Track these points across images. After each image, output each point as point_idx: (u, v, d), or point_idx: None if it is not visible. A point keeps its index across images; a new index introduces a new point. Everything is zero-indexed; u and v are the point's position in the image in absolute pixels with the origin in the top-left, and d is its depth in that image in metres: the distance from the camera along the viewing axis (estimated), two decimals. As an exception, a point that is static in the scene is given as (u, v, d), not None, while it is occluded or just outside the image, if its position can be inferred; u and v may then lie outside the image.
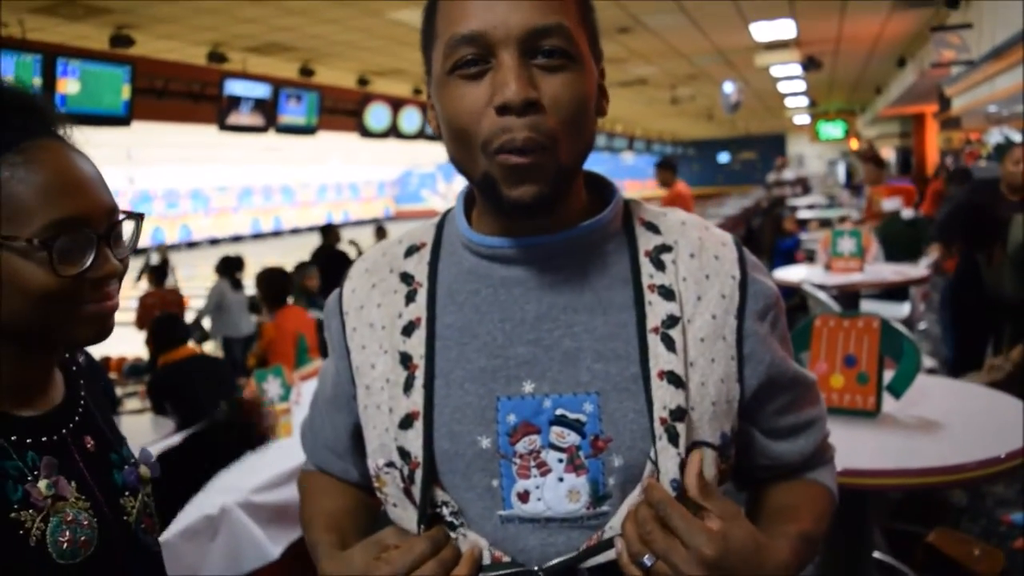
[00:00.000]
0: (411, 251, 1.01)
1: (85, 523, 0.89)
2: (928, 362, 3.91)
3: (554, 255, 0.92)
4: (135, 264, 8.78)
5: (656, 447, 0.86)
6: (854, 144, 20.90)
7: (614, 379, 0.89)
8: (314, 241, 9.29)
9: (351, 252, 8.59)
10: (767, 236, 11.79)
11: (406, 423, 0.91)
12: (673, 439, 0.86)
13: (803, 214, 12.26)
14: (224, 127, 8.41)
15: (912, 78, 11.81)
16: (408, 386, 0.92)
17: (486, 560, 0.89)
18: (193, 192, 24.89)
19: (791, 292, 5.40)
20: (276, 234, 27.45)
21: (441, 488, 0.91)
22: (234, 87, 8.37)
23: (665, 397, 0.87)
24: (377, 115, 10.59)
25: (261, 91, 8.66)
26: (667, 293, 0.91)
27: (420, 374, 0.92)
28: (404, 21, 7.63)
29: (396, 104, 10.83)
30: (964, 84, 8.32)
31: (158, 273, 8.12)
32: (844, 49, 11.47)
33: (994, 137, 9.66)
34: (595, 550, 0.87)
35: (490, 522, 0.89)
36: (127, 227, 0.96)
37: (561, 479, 0.88)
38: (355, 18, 7.62)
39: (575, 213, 0.94)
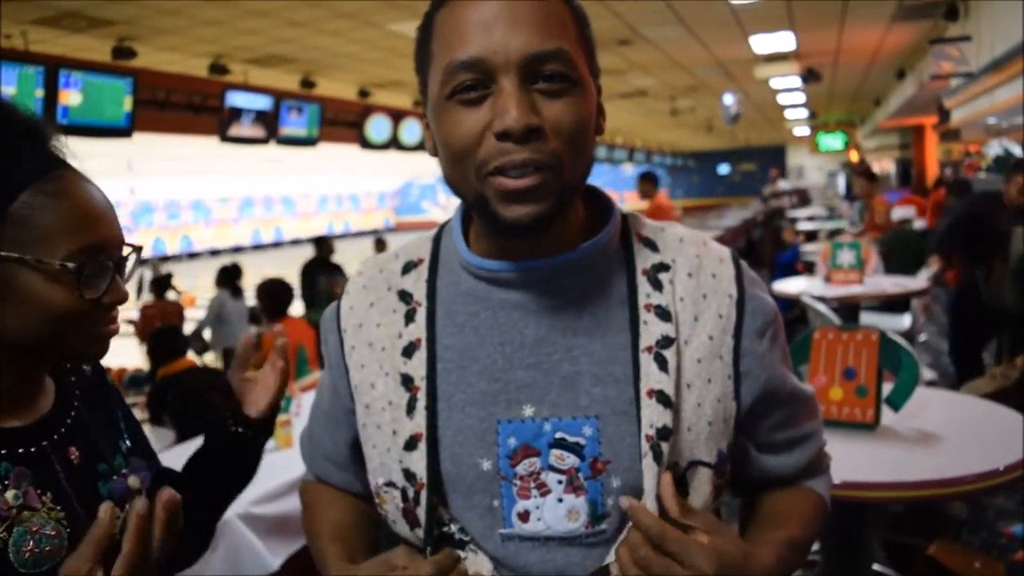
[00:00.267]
0: (408, 267, 1.01)
1: (52, 533, 0.91)
2: (928, 374, 3.90)
3: (553, 278, 0.92)
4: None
5: (641, 464, 0.87)
6: (853, 156, 20.94)
7: (612, 403, 0.89)
8: (348, 248, 9.30)
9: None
10: (767, 249, 11.79)
11: (410, 445, 0.92)
12: (658, 457, 0.87)
13: (803, 226, 12.27)
14: (225, 139, 8.43)
15: (911, 90, 11.84)
16: (411, 408, 0.93)
17: None
18: (194, 203, 24.92)
19: (791, 304, 5.40)
20: (277, 245, 27.47)
21: (445, 508, 0.91)
22: (235, 99, 8.39)
23: (652, 416, 0.87)
24: (378, 127, 10.62)
25: (262, 103, 8.69)
26: (663, 314, 0.92)
27: (422, 396, 0.92)
28: (405, 33, 7.66)
29: (396, 116, 10.85)
30: (963, 96, 8.35)
31: (159, 285, 8.13)
32: (843, 61, 11.50)
33: (993, 149, 9.70)
34: None
35: (491, 540, 0.90)
36: (131, 259, 1.01)
37: (561, 500, 0.89)
38: (356, 30, 7.65)
39: (573, 231, 0.93)
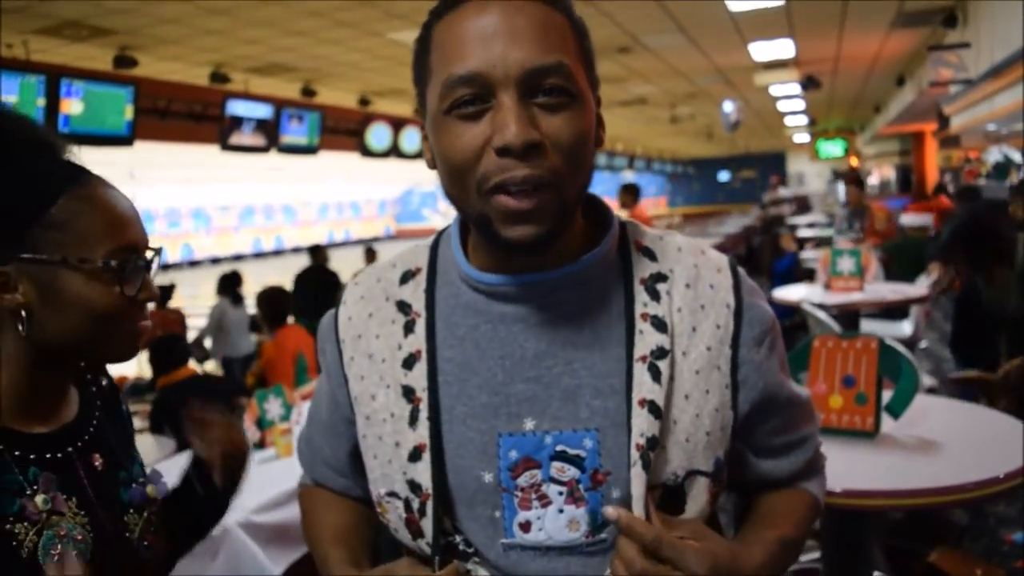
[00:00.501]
0: (406, 277, 1.00)
1: (79, 537, 0.94)
2: (928, 381, 3.90)
3: (553, 291, 0.92)
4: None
5: (631, 473, 0.87)
6: (854, 161, 20.95)
7: (612, 415, 0.90)
8: (339, 258, 9.30)
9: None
10: (766, 256, 11.79)
11: (414, 456, 0.92)
12: (647, 466, 0.87)
13: (803, 233, 12.27)
14: (226, 147, 8.45)
15: (911, 97, 11.85)
16: (413, 419, 0.93)
17: None
18: (195, 211, 24.94)
19: (791, 312, 5.40)
20: (277, 253, 27.48)
21: (449, 519, 0.92)
22: (236, 107, 8.42)
23: (643, 425, 0.88)
24: (378, 135, 10.64)
25: (263, 111, 8.71)
26: (659, 324, 0.92)
27: (424, 407, 0.93)
28: (404, 42, 7.68)
29: (397, 124, 10.87)
30: (963, 103, 8.36)
31: (161, 294, 8.12)
32: (843, 68, 11.52)
33: (993, 155, 9.70)
34: None
35: (493, 550, 0.91)
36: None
37: (561, 510, 0.89)
38: (356, 39, 7.67)
39: (573, 243, 0.93)
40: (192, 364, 5.20)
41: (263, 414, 3.09)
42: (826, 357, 2.33)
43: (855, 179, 8.06)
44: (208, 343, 7.23)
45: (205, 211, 25.37)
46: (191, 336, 7.19)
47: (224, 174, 19.11)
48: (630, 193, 8.06)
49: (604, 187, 28.42)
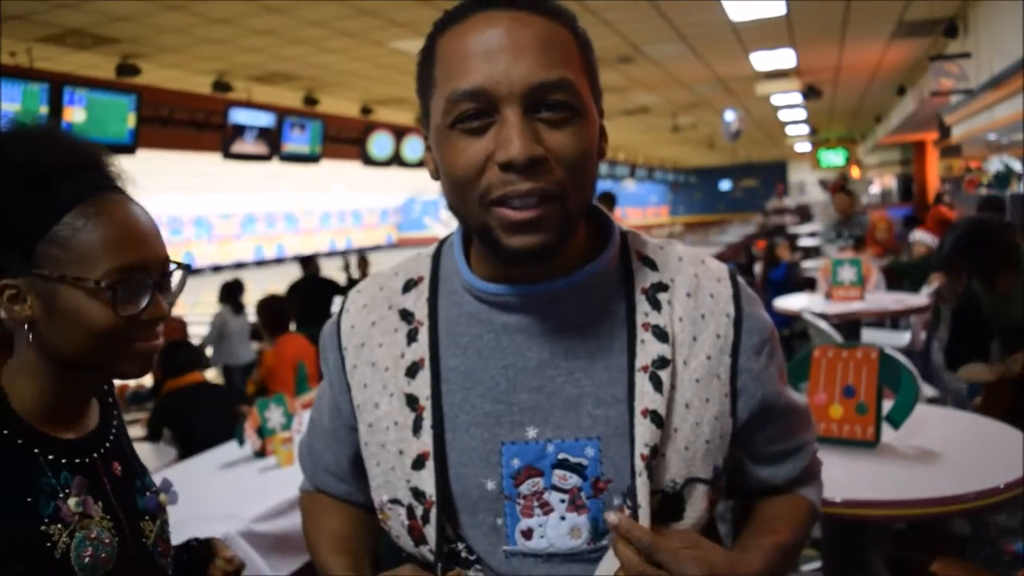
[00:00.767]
0: (409, 286, 1.01)
1: (107, 541, 0.97)
2: (929, 391, 3.90)
3: (555, 301, 0.93)
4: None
5: (636, 483, 0.88)
6: (855, 171, 20.94)
7: (614, 423, 0.90)
8: (329, 268, 9.30)
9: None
10: (763, 265, 11.77)
11: (418, 464, 0.93)
12: (651, 476, 0.88)
13: (805, 242, 12.26)
14: (228, 155, 8.47)
15: (912, 106, 11.86)
16: (417, 427, 0.94)
17: None
18: (197, 219, 24.98)
19: (789, 320, 5.38)
20: (279, 261, 27.50)
21: (452, 526, 0.92)
22: (238, 116, 8.44)
23: (646, 435, 0.88)
24: (380, 143, 10.66)
25: (265, 120, 8.73)
26: (661, 334, 0.93)
27: (428, 415, 0.93)
28: (406, 51, 7.70)
29: (399, 132, 10.89)
30: (963, 112, 8.37)
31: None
32: (844, 78, 11.54)
33: (994, 165, 9.69)
34: None
35: (495, 557, 0.92)
36: (176, 275, 1.06)
37: (563, 518, 0.90)
38: (358, 48, 7.70)
39: (575, 254, 0.94)
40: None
41: (264, 423, 3.09)
42: (826, 367, 2.33)
43: (841, 187, 8.07)
44: (209, 351, 7.23)
45: (207, 219, 25.40)
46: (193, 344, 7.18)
47: (226, 182, 19.13)
48: (606, 201, 8.08)
49: (605, 196, 28.46)
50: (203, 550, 1.19)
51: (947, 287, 5.16)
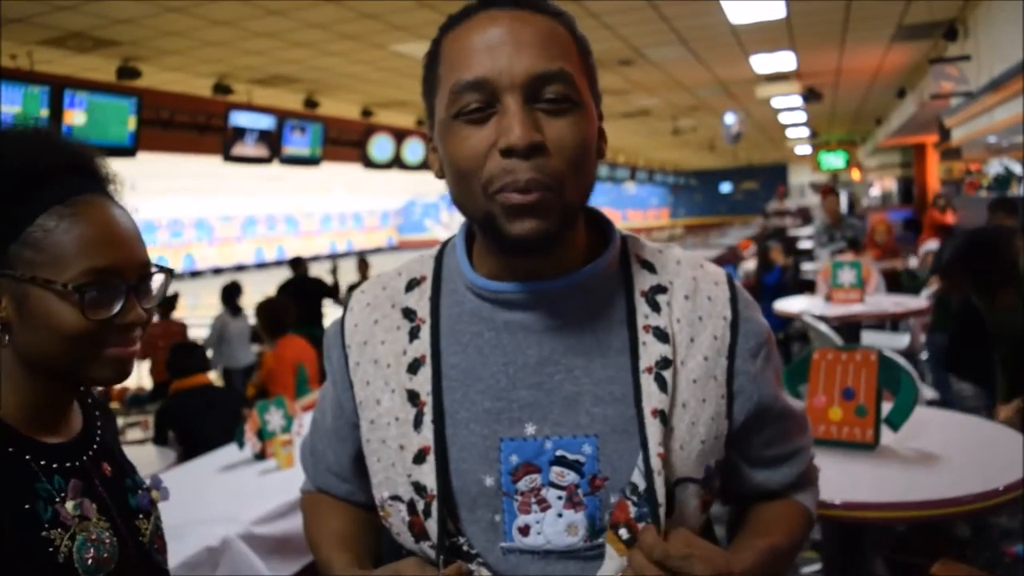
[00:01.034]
0: (411, 285, 1.03)
1: (107, 541, 0.97)
2: (928, 393, 3.90)
3: (556, 299, 0.94)
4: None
5: (655, 483, 0.89)
6: (855, 174, 20.93)
7: (612, 422, 0.91)
8: (319, 271, 9.30)
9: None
10: (756, 268, 11.73)
11: (419, 458, 0.94)
12: (662, 474, 0.89)
13: (805, 244, 12.25)
14: (229, 158, 8.48)
15: (912, 109, 11.86)
16: (418, 422, 0.95)
17: None
18: (197, 222, 24.99)
19: (786, 323, 5.37)
20: (280, 263, 27.49)
21: (452, 521, 0.93)
22: (239, 118, 8.45)
23: (657, 435, 0.90)
24: (381, 146, 10.67)
25: (266, 122, 8.74)
26: (661, 335, 0.94)
27: (428, 411, 0.94)
28: (407, 54, 7.71)
29: (399, 135, 10.91)
30: (963, 115, 8.37)
31: (165, 305, 8.13)
32: (844, 81, 11.55)
33: (994, 168, 9.70)
34: None
35: (493, 553, 0.92)
36: (157, 279, 1.04)
37: (560, 515, 0.91)
38: (359, 51, 7.70)
39: (576, 254, 0.96)
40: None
41: (264, 425, 3.10)
42: (826, 369, 2.34)
43: (830, 190, 8.09)
44: (210, 354, 7.23)
45: (207, 221, 25.42)
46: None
47: (226, 185, 19.15)
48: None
49: (606, 197, 28.52)
50: None
51: (942, 291, 5.16)
